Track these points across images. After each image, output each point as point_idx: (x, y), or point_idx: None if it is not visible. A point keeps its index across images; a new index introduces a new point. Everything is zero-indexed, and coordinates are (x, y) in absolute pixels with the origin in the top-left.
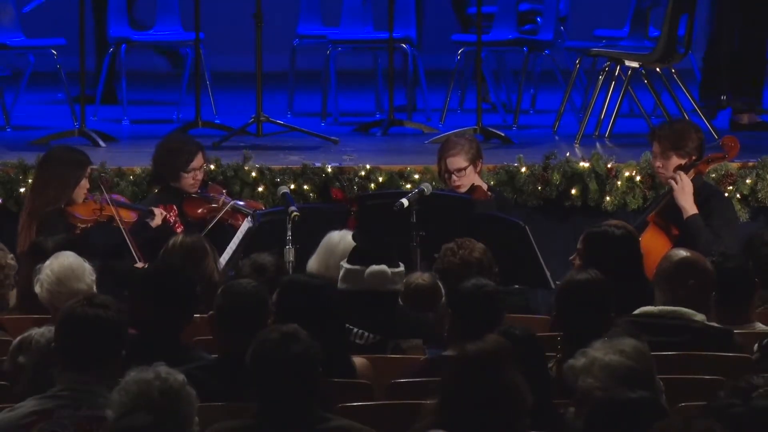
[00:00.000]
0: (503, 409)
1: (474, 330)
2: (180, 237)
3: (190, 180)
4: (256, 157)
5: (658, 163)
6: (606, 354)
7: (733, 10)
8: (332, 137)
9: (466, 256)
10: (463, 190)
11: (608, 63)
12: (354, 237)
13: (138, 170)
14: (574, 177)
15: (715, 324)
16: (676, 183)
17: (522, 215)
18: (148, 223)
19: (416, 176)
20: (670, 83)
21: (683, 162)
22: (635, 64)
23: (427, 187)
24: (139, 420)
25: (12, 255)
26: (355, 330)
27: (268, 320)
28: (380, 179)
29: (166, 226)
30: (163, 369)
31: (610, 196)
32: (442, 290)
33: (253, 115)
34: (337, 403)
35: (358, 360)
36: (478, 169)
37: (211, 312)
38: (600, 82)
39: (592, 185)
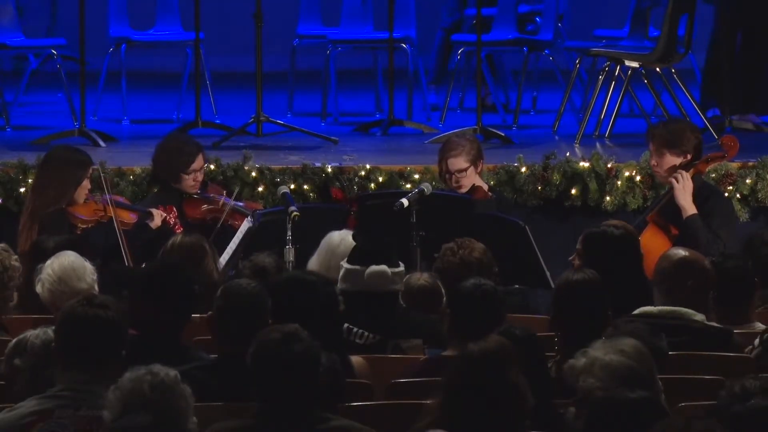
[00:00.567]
0: (504, 410)
1: (474, 330)
2: (179, 237)
3: (191, 181)
4: (256, 157)
5: (653, 162)
6: (606, 354)
7: (734, 12)
8: (332, 137)
9: (466, 256)
10: (464, 190)
11: (608, 63)
12: (354, 237)
13: (138, 170)
14: (574, 177)
15: (714, 324)
16: (677, 182)
17: (522, 215)
18: (148, 224)
19: (416, 176)
20: (670, 83)
21: (678, 161)
22: (635, 64)
23: (427, 187)
24: (137, 421)
25: (16, 256)
26: (355, 330)
27: (268, 320)
28: (380, 179)
29: (166, 228)
30: (155, 366)
31: (610, 196)
32: (443, 290)
33: (253, 115)
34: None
35: (356, 359)
36: (479, 169)
37: (210, 312)
38: (600, 82)
39: (592, 185)
